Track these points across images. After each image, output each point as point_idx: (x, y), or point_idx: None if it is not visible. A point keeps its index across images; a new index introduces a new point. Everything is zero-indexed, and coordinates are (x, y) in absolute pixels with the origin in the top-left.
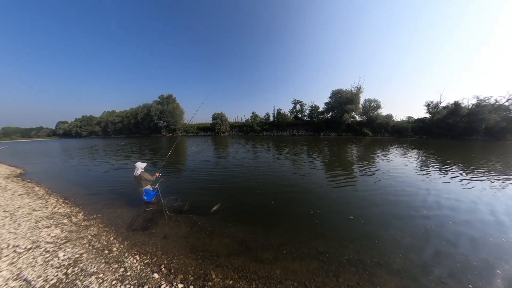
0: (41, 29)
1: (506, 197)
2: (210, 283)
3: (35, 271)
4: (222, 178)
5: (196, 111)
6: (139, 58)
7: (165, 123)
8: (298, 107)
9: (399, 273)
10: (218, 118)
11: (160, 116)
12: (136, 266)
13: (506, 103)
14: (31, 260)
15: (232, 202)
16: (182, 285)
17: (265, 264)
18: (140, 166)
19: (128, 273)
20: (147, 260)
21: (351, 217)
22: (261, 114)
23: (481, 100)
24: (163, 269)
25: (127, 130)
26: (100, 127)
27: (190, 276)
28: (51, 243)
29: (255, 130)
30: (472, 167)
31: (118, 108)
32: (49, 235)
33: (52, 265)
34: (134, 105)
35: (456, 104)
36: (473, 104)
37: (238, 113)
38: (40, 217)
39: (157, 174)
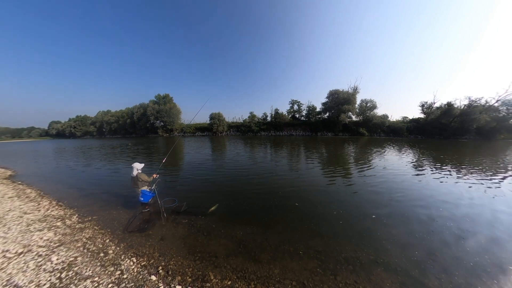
0: (32, 26)
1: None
2: (209, 284)
3: (26, 276)
4: (220, 179)
5: (195, 114)
6: (135, 57)
7: (162, 123)
8: (295, 107)
9: (396, 271)
10: (216, 118)
11: (156, 116)
12: (133, 269)
13: (496, 104)
14: (22, 265)
15: (230, 202)
16: (180, 287)
17: (263, 264)
18: (137, 167)
19: (125, 276)
20: (144, 262)
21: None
22: (259, 114)
23: (472, 101)
24: (160, 271)
25: (122, 130)
26: (95, 127)
27: (188, 277)
28: (44, 246)
29: (252, 130)
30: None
31: (113, 108)
32: (41, 238)
33: (44, 270)
34: (130, 105)
35: (449, 105)
36: (465, 105)
37: (235, 113)
38: (31, 220)
39: (154, 175)
